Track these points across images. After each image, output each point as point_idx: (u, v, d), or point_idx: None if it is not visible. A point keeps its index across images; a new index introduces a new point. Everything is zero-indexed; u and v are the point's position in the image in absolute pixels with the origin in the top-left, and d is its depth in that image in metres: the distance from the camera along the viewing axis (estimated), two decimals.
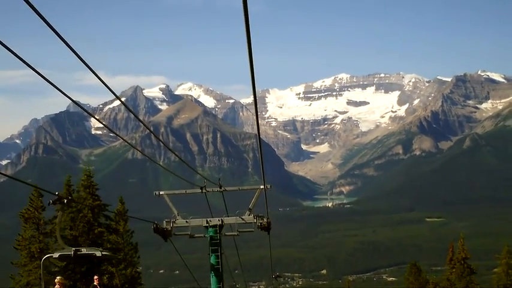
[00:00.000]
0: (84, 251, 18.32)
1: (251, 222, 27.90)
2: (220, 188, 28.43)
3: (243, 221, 27.90)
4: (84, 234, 56.49)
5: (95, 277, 25.38)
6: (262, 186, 27.73)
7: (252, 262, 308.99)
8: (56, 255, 18.61)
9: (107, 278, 55.72)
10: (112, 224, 60.98)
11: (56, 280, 23.70)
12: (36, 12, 9.96)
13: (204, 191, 28.29)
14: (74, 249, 18.00)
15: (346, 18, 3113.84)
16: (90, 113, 19.72)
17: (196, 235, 28.78)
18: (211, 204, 30.88)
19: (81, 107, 17.02)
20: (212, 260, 27.59)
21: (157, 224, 27.04)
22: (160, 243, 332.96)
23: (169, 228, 27.86)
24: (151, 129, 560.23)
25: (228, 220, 28.24)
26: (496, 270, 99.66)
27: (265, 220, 27.71)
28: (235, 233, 29.55)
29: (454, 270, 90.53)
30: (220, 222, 27.79)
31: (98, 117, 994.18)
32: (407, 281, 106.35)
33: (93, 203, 57.66)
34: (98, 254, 18.40)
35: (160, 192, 29.00)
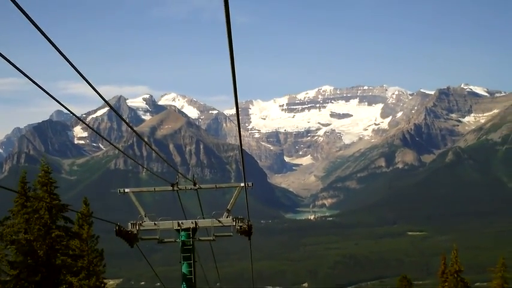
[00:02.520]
0: None
1: (229, 226, 24.91)
2: (195, 185, 25.42)
3: (220, 224, 24.79)
4: (40, 238, 51.79)
5: None
6: (242, 184, 24.86)
7: (232, 274, 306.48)
8: None
9: None
10: (73, 228, 56.14)
11: None
12: (27, 18, 10.05)
13: (175, 188, 25.15)
14: None
15: (330, 30, 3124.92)
16: (80, 118, 17.51)
17: (166, 240, 25.63)
18: (187, 210, 28.11)
19: (71, 112, 15.55)
20: (184, 268, 24.37)
21: (121, 226, 23.97)
22: (141, 255, 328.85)
23: (135, 232, 24.57)
24: (134, 139, 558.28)
25: (203, 223, 24.98)
26: (491, 284, 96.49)
27: (245, 223, 24.82)
28: (211, 238, 25.84)
29: (446, 284, 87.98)
30: (194, 225, 24.59)
31: (82, 127, 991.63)
32: None
33: (51, 202, 52.66)
34: None
35: (126, 190, 25.93)
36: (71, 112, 15.73)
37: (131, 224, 24.76)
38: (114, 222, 23.55)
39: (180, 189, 25.30)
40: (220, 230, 25.28)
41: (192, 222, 24.80)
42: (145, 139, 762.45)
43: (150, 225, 24.84)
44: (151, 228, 24.86)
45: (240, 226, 24.69)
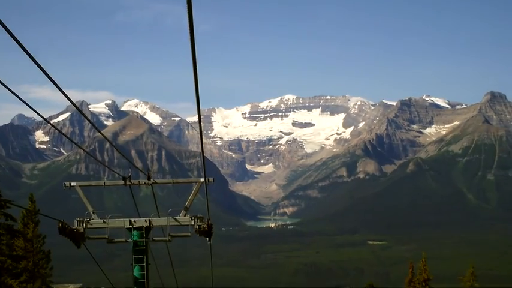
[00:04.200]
0: None
1: (187, 225, 22.89)
2: (149, 179, 23.22)
3: (177, 223, 22.67)
4: None
5: None
6: (202, 179, 22.82)
7: (193, 281, 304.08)
8: None
9: None
10: (17, 227, 51.74)
11: None
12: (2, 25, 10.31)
13: (128, 183, 22.76)
14: None
15: (293, 40, 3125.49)
16: (49, 122, 16.24)
17: (116, 240, 23.30)
18: (146, 215, 26.03)
19: (42, 117, 16.24)
20: (136, 272, 22.16)
21: (65, 224, 21.73)
22: (102, 259, 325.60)
23: (82, 230, 22.30)
24: (96, 144, 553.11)
25: (158, 221, 22.69)
26: None
27: (205, 222, 22.61)
28: (167, 238, 23.41)
29: None
30: (147, 224, 22.37)
31: (43, 131, 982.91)
32: None
33: None
34: None
35: (72, 184, 23.76)
36: (42, 117, 15.64)
37: (77, 221, 22.60)
38: (57, 219, 21.36)
39: (133, 183, 23.00)
40: (178, 229, 23.15)
41: (145, 221, 22.66)
42: (107, 145, 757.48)
43: (98, 223, 22.64)
44: (100, 227, 22.67)
45: (199, 226, 22.53)
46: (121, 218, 22.70)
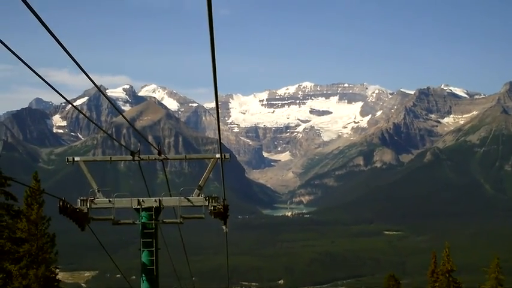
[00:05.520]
0: None
1: (201, 206, 21.06)
2: (160, 155, 21.60)
3: (190, 204, 21.02)
4: None
5: None
6: (218, 155, 21.14)
7: (208, 269, 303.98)
8: None
9: (0, 279, 45.34)
10: (21, 207, 48.15)
11: None
12: (27, 5, 10.43)
13: (136, 158, 21.18)
14: None
15: (311, 28, 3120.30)
16: (73, 105, 15.15)
17: (122, 221, 21.44)
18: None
19: (65, 98, 15.92)
20: (144, 257, 20.37)
21: (66, 202, 20.02)
22: (117, 246, 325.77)
23: (85, 210, 20.52)
24: (113, 129, 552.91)
25: (169, 201, 20.97)
26: (483, 287, 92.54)
27: (220, 203, 20.72)
28: (179, 220, 21.42)
29: (437, 284, 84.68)
30: (157, 204, 20.56)
31: (61, 116, 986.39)
32: None
33: None
34: None
35: (76, 159, 22.17)
36: (65, 98, 15.41)
37: (81, 200, 20.94)
38: (59, 197, 19.69)
39: (142, 159, 21.37)
40: (191, 211, 21.40)
41: (155, 201, 20.91)
42: (124, 130, 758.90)
43: (103, 202, 20.92)
44: (106, 207, 20.97)
45: (214, 207, 20.87)
46: (128, 197, 21.01)
